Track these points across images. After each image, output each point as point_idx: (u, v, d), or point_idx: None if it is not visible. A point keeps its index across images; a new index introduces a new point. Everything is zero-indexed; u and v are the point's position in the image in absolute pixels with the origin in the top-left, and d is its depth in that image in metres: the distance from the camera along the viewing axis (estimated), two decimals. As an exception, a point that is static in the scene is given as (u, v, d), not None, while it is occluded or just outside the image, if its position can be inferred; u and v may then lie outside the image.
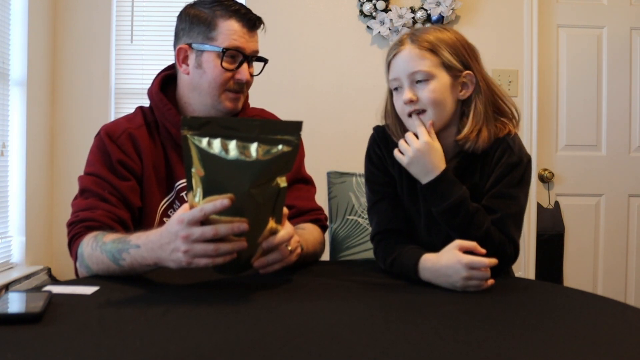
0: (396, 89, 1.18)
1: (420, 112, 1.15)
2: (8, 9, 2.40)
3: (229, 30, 1.25)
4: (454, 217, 1.12)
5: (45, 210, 2.60)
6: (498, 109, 1.20)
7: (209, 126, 0.91)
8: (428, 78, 1.13)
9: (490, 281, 1.03)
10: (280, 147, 0.91)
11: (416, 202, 1.22)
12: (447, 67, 1.14)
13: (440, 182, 1.12)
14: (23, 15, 2.43)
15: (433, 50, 1.14)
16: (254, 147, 0.90)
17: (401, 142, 1.16)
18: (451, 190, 1.12)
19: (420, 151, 1.12)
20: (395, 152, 1.16)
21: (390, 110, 1.23)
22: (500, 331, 0.78)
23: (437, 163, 1.13)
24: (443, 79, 1.14)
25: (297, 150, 0.93)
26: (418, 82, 1.14)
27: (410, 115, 1.16)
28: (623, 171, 2.75)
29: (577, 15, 2.73)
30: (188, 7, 1.31)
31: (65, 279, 1.84)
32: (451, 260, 1.02)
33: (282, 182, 0.93)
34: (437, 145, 1.14)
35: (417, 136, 1.15)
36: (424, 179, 1.14)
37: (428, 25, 2.58)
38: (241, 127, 0.91)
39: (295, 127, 0.93)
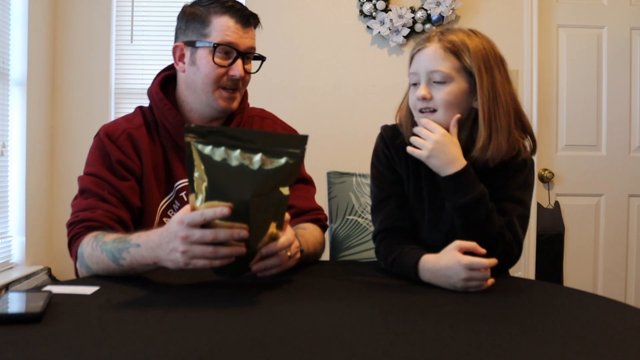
0: (414, 84, 1.17)
1: (431, 111, 1.14)
2: (8, 9, 2.40)
3: (222, 26, 1.25)
4: (472, 213, 1.10)
5: (45, 210, 2.60)
6: (518, 124, 1.17)
7: (213, 135, 0.91)
8: (446, 80, 1.12)
9: (491, 280, 1.03)
10: (284, 159, 0.91)
11: (421, 201, 1.22)
12: (468, 72, 1.13)
13: (463, 175, 1.11)
14: (23, 15, 2.43)
15: (456, 53, 1.12)
16: (257, 157, 0.90)
17: (414, 138, 1.14)
18: (473, 184, 1.11)
19: (440, 142, 1.11)
20: (410, 149, 1.14)
21: (405, 106, 1.23)
22: (500, 331, 0.78)
23: (458, 155, 1.12)
24: (461, 83, 1.13)
25: (301, 163, 0.93)
26: (435, 82, 1.13)
27: (421, 111, 1.16)
28: (623, 171, 2.75)
29: (577, 15, 2.73)
30: (186, 6, 1.32)
31: (65, 279, 1.84)
32: (451, 262, 1.02)
33: (285, 190, 0.93)
34: (455, 139, 1.13)
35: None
36: (446, 171, 1.11)
37: (428, 25, 2.59)
38: (246, 137, 0.91)
39: (300, 141, 0.92)
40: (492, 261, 1.01)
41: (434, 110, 1.14)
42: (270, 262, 1.00)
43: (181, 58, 1.31)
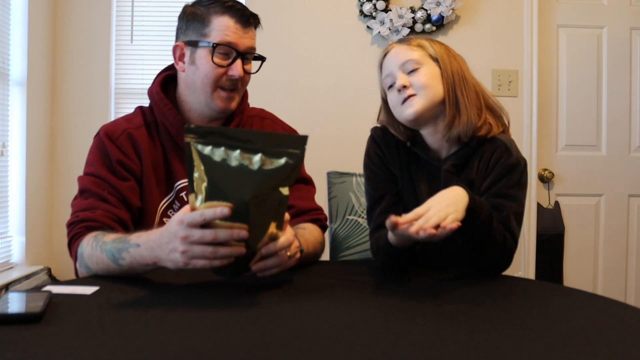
0: (390, 86, 1.22)
1: (414, 95, 1.18)
2: (8, 9, 2.40)
3: (222, 26, 1.25)
4: (488, 230, 1.08)
5: (45, 210, 2.60)
6: (485, 105, 1.23)
7: (213, 136, 0.90)
8: (418, 66, 1.19)
9: (455, 224, 0.97)
10: (284, 159, 0.91)
11: (415, 200, 1.22)
12: (435, 59, 1.20)
13: (474, 200, 1.06)
14: (23, 15, 2.43)
15: (419, 46, 1.22)
16: (257, 158, 0.90)
17: (424, 230, 0.96)
18: (482, 203, 1.07)
19: (439, 201, 1.02)
20: (429, 232, 0.96)
21: (386, 116, 1.26)
22: (500, 331, 0.78)
23: (454, 190, 1.06)
24: (432, 67, 1.20)
25: (301, 163, 0.93)
26: (410, 72, 1.19)
27: (404, 101, 1.18)
28: (623, 171, 2.75)
29: (577, 15, 2.73)
30: (186, 6, 1.32)
31: (65, 279, 1.84)
32: None
33: (285, 191, 0.93)
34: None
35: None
36: (464, 211, 1.02)
37: (428, 25, 2.59)
38: (245, 138, 0.91)
39: (300, 141, 0.92)
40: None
41: (415, 95, 1.18)
42: (270, 262, 1.00)
43: (181, 57, 1.31)
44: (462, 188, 1.06)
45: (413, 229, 0.96)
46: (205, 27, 1.26)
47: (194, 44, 1.27)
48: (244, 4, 1.38)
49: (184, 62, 1.30)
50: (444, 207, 1.00)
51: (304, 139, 0.93)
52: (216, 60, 1.26)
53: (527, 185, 1.22)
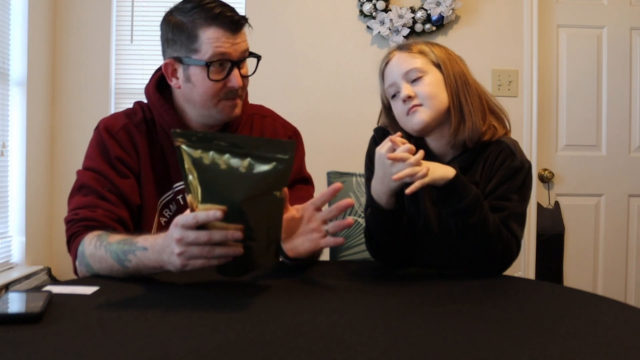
0: (394, 95, 1.21)
1: (418, 106, 1.17)
2: (8, 9, 2.40)
3: (210, 39, 1.19)
4: (471, 215, 1.09)
5: (45, 210, 2.60)
6: (488, 109, 1.23)
7: (202, 140, 0.92)
8: (422, 75, 1.18)
9: (419, 182, 1.05)
10: (273, 164, 0.92)
11: (416, 201, 1.22)
12: (437, 65, 1.19)
13: (458, 180, 1.09)
14: (23, 15, 2.43)
15: (420, 52, 1.21)
16: (245, 162, 0.91)
17: (404, 172, 1.04)
18: (467, 187, 1.11)
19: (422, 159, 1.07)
20: (415, 185, 1.05)
21: (388, 122, 1.27)
22: (500, 331, 0.78)
23: (447, 167, 1.11)
24: (435, 74, 1.19)
25: (290, 169, 0.94)
26: (413, 81, 1.18)
27: (408, 112, 1.17)
28: (623, 171, 2.75)
29: (577, 15, 2.73)
30: (169, 15, 1.25)
31: (65, 279, 1.84)
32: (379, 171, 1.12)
33: (279, 194, 0.94)
34: None
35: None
36: (443, 180, 1.09)
37: (428, 25, 2.59)
38: (234, 142, 0.92)
39: (288, 147, 0.93)
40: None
41: (421, 105, 1.17)
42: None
43: (174, 74, 1.26)
44: (456, 170, 1.10)
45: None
46: (194, 42, 1.20)
47: (185, 62, 1.22)
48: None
49: (177, 79, 1.26)
50: (428, 165, 1.07)
51: (291, 145, 0.94)
52: (212, 76, 1.21)
53: (531, 188, 1.22)
